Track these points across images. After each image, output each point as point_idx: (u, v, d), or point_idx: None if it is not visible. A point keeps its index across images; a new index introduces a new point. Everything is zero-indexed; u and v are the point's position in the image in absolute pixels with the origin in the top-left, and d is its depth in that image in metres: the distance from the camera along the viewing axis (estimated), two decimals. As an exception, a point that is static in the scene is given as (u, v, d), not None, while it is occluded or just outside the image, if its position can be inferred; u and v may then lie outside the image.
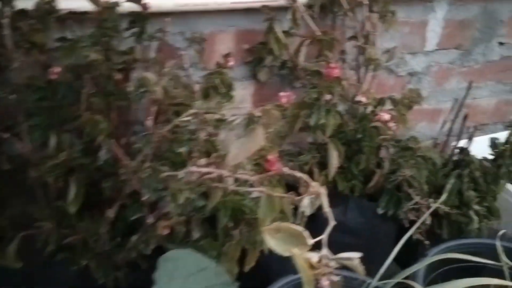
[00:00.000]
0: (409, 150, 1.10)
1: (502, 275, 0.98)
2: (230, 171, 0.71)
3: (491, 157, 1.14)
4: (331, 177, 1.12)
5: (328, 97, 1.03)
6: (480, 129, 1.61)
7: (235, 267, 0.88)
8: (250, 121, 0.63)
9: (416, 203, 1.04)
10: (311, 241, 0.60)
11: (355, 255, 0.64)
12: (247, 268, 0.89)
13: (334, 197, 1.22)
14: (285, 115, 1.06)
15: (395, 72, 1.39)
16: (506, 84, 1.55)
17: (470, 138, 1.11)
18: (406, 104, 1.12)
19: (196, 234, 0.87)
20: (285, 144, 1.15)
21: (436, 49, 1.40)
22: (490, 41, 1.43)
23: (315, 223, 1.10)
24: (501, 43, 1.45)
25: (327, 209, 0.66)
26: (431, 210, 0.97)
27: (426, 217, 0.99)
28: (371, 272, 0.93)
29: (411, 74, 1.42)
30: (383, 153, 1.13)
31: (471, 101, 1.53)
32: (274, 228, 0.61)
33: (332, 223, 0.64)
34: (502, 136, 1.18)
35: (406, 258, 1.02)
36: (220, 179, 0.76)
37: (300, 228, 0.60)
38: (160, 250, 0.83)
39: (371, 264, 0.97)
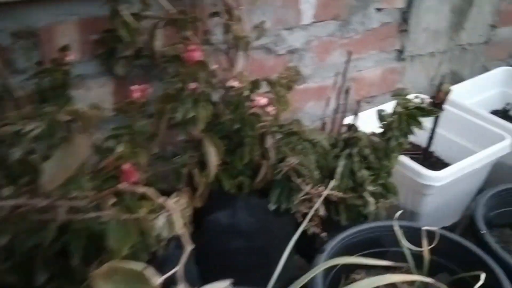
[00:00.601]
0: (294, 135, 0.98)
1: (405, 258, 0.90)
2: (52, 197, 0.53)
3: (380, 130, 1.06)
4: (213, 177, 0.98)
5: (193, 85, 0.88)
6: (369, 102, 1.57)
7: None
8: (56, 129, 0.45)
9: (307, 193, 0.92)
10: (158, 280, 0.44)
11: (223, 285, 0.49)
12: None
13: (221, 198, 1.10)
14: (145, 112, 0.90)
15: (273, 51, 1.27)
16: (389, 52, 1.50)
17: (355, 113, 1.02)
18: (284, 84, 1.00)
19: (40, 278, 0.69)
20: (155, 147, 0.98)
21: (313, 22, 1.30)
22: (367, 8, 1.36)
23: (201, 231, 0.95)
24: (378, 9, 1.38)
25: (181, 230, 0.51)
26: (322, 198, 0.86)
27: (317, 207, 0.88)
28: (268, 278, 0.80)
29: (291, 51, 1.31)
30: (268, 142, 1.01)
31: (356, 73, 1.46)
32: (107, 270, 0.45)
33: (189, 248, 0.49)
34: (390, 107, 1.10)
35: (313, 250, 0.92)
36: (48, 208, 0.58)
37: (141, 267, 0.45)
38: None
39: (268, 268, 0.85)
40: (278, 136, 1.01)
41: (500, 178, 1.38)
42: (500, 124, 1.36)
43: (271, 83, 0.98)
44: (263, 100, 0.92)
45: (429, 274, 0.93)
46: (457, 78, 1.67)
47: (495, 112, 1.61)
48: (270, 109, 0.94)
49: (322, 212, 0.90)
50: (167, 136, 1.00)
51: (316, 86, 1.40)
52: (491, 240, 0.93)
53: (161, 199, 0.53)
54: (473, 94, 1.59)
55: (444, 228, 1.36)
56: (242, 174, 1.02)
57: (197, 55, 0.86)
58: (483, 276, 0.74)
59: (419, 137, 1.37)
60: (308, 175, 0.96)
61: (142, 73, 1.05)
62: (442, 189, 1.18)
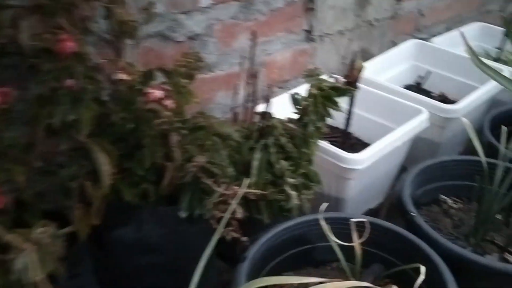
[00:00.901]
0: (200, 130, 0.86)
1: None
2: None
3: (296, 116, 0.96)
4: (109, 187, 0.83)
5: (69, 82, 0.73)
6: (282, 86, 1.48)
7: None
8: None
9: (222, 194, 0.81)
10: None
11: None
12: None
13: (122, 210, 0.95)
14: (14, 120, 0.74)
15: (171, 38, 1.14)
16: (297, 33, 1.42)
17: (267, 100, 0.91)
18: (183, 73, 0.87)
19: None
20: (35, 160, 0.82)
21: (213, 4, 1.18)
22: (269, -14, 1.26)
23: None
24: (281, -13, 1.29)
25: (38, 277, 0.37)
26: (237, 199, 0.75)
27: (234, 210, 0.77)
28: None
29: (192, 38, 1.18)
30: (171, 140, 0.88)
31: (266, 57, 1.36)
32: None
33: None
34: (304, 90, 1.01)
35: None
36: None
37: None
38: None
39: (185, 283, 0.73)
40: (183, 132, 0.88)
41: (418, 154, 1.35)
42: (416, 98, 1.32)
43: (167, 72, 0.85)
44: (158, 93, 0.79)
45: (362, 266, 0.86)
46: (367, 56, 1.62)
47: (408, 87, 1.59)
48: (169, 102, 0.81)
49: (239, 214, 0.79)
50: (49, 146, 0.84)
51: (225, 74, 1.28)
52: (422, 222, 0.87)
53: (9, 236, 0.38)
54: (384, 70, 1.56)
55: (370, 209, 1.33)
56: (144, 180, 0.88)
57: (70, 46, 0.71)
58: (423, 269, 0.66)
59: (336, 119, 1.30)
60: (221, 173, 0.84)
61: (11, 73, 0.88)
62: (365, 171, 1.12)
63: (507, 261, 0.91)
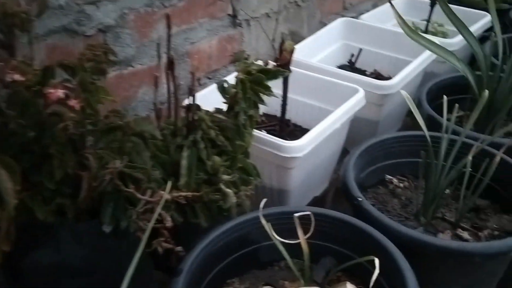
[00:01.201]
0: (116, 131, 0.75)
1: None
2: None
3: (226, 106, 0.88)
4: (15, 207, 0.71)
5: None
6: (211, 77, 1.39)
7: None
8: None
9: (147, 201, 0.71)
10: None
11: None
12: None
13: (37, 231, 0.83)
14: None
15: (79, 32, 1.02)
16: (221, 19, 1.32)
17: (191, 92, 0.82)
18: (90, 68, 0.76)
19: None
20: None
21: (123, -9, 1.07)
22: (185, -33, 1.16)
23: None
24: (198, -31, 1.20)
25: None
26: (160, 206, 0.65)
27: (161, 218, 0.67)
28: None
29: (103, 30, 1.06)
30: (83, 146, 0.76)
31: (190, 46, 1.27)
32: None
33: None
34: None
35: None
36: None
37: None
38: None
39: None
40: (96, 135, 0.77)
41: (358, 134, 1.31)
42: (350, 77, 1.27)
43: (70, 68, 0.73)
44: (59, 93, 0.67)
45: (313, 261, 0.79)
46: (297, 38, 1.56)
47: (341, 67, 1.54)
48: (74, 102, 0.70)
49: (169, 222, 0.69)
50: None
51: (146, 68, 1.18)
52: (370, 207, 0.81)
53: None
54: (316, 52, 1.50)
55: (315, 197, 1.27)
56: (58, 195, 0.77)
57: None
58: (377, 262, 0.60)
59: (272, 107, 1.23)
60: (145, 178, 0.74)
61: None
62: (306, 158, 1.05)
63: (460, 237, 0.86)
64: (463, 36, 1.15)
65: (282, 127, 1.22)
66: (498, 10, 1.24)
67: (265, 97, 0.91)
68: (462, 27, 1.14)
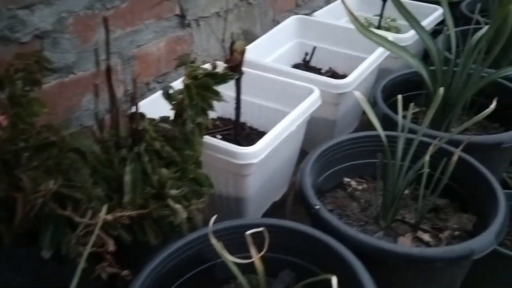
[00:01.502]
0: (50, 148, 0.69)
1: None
2: None
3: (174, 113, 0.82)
4: None
5: None
6: (161, 81, 1.32)
7: None
8: None
9: (87, 224, 0.65)
10: None
11: None
12: None
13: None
14: None
15: (12, 39, 0.94)
16: (169, 19, 1.26)
17: (133, 100, 0.76)
18: (20, 78, 0.69)
19: None
20: None
21: (60, -6, 1.00)
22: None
23: None
24: (140, -32, 1.13)
25: None
26: (97, 228, 0.60)
27: (107, 242, 0.61)
28: None
29: (40, 36, 0.99)
30: (14, 166, 0.70)
31: (136, 50, 1.20)
32: None
33: None
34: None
35: None
36: None
37: None
38: None
39: None
40: (30, 153, 0.70)
41: (316, 134, 1.28)
42: (305, 77, 1.23)
43: (-6, 81, 0.66)
44: (-21, 109, 0.60)
45: (271, 275, 0.75)
46: (250, 37, 1.52)
47: (296, 66, 1.51)
48: (1, 118, 0.63)
49: (111, 247, 0.63)
50: None
51: (89, 74, 1.11)
52: (328, 215, 0.78)
53: None
54: (269, 51, 1.46)
55: (275, 203, 1.23)
56: (-10, 220, 0.70)
57: None
58: (334, 282, 0.56)
59: (226, 109, 1.18)
60: (84, 198, 0.68)
61: None
62: (263, 163, 1.01)
63: (421, 240, 0.84)
64: (415, 30, 1.14)
65: (237, 131, 1.18)
66: (450, 3, 1.24)
67: (219, 100, 0.86)
68: (413, 22, 1.12)
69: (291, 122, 1.07)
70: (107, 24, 0.78)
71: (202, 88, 0.79)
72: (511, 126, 1.09)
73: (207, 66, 0.88)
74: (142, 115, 0.82)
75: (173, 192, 0.73)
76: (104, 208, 0.61)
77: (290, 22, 1.53)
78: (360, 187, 0.97)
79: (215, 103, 0.85)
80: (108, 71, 0.73)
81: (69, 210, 0.65)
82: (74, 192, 0.68)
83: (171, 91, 0.81)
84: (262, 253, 0.61)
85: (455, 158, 0.85)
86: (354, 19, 0.99)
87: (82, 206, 0.68)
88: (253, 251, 0.61)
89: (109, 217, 0.64)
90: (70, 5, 1.03)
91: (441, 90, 0.84)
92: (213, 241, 0.62)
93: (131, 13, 1.15)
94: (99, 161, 0.78)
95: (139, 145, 0.75)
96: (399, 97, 0.87)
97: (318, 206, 0.79)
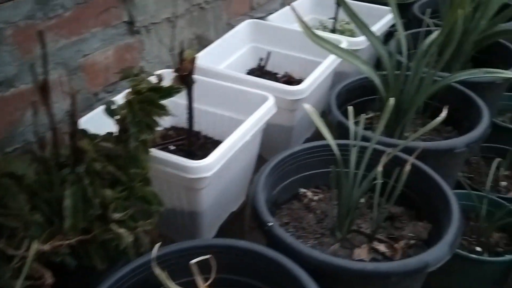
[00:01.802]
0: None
1: None
2: None
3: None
4: None
5: None
6: (111, 91, 1.28)
7: None
8: None
9: (22, 257, 0.60)
10: None
11: None
12: None
13: None
14: None
15: None
16: (117, 27, 1.22)
17: (71, 117, 0.71)
18: None
19: None
20: None
21: (-4, 3, 0.94)
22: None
23: None
24: (82, -26, 1.08)
25: None
26: (29, 262, 0.56)
27: (42, 275, 0.57)
28: None
29: (-25, 49, 0.93)
30: None
31: (82, 59, 1.15)
32: None
33: None
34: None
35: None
36: None
37: None
38: None
39: None
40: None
41: (273, 141, 1.26)
42: (259, 84, 1.21)
43: None
44: None
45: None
46: (204, 42, 1.48)
47: (251, 71, 1.49)
48: None
49: (49, 279, 0.59)
50: None
51: (32, 88, 1.05)
52: (281, 232, 0.75)
53: None
54: (224, 56, 1.43)
55: (232, 213, 1.20)
56: None
57: None
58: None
59: (180, 118, 1.14)
60: (20, 226, 0.64)
61: None
62: (217, 175, 0.98)
63: (377, 251, 0.83)
64: (366, 36, 1.13)
65: (191, 141, 1.14)
66: (401, 5, 1.23)
67: (166, 114, 0.83)
68: (364, 28, 1.11)
69: (245, 132, 1.05)
70: (42, 37, 0.73)
71: (146, 103, 0.75)
72: (464, 129, 1.10)
73: (153, 78, 0.85)
74: (83, 132, 0.77)
75: (116, 216, 0.69)
76: (42, 237, 0.57)
77: (244, 27, 1.51)
78: (316, 198, 0.96)
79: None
80: (44, 88, 0.69)
81: (3, 241, 0.60)
82: (10, 221, 0.63)
83: (113, 107, 0.77)
84: (209, 281, 0.59)
85: (408, 166, 0.84)
86: (304, 26, 0.97)
87: (19, 235, 0.64)
88: (199, 281, 0.58)
89: (46, 247, 0.59)
90: (8, 15, 0.97)
91: (392, 100, 0.83)
92: (157, 271, 0.59)
93: (76, 21, 1.10)
94: (39, 183, 0.74)
95: (78, 165, 0.70)
96: (350, 109, 0.86)
97: (271, 223, 0.76)
